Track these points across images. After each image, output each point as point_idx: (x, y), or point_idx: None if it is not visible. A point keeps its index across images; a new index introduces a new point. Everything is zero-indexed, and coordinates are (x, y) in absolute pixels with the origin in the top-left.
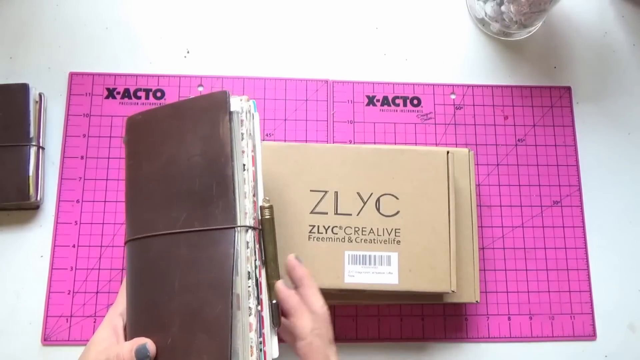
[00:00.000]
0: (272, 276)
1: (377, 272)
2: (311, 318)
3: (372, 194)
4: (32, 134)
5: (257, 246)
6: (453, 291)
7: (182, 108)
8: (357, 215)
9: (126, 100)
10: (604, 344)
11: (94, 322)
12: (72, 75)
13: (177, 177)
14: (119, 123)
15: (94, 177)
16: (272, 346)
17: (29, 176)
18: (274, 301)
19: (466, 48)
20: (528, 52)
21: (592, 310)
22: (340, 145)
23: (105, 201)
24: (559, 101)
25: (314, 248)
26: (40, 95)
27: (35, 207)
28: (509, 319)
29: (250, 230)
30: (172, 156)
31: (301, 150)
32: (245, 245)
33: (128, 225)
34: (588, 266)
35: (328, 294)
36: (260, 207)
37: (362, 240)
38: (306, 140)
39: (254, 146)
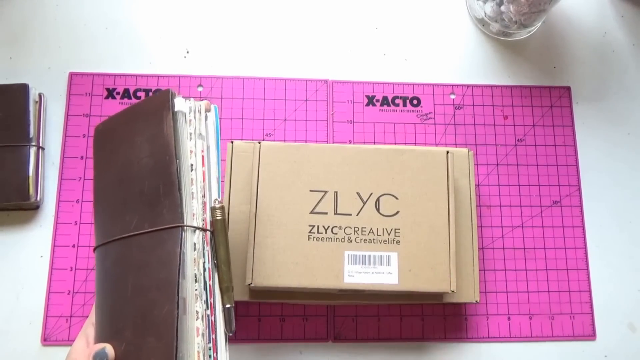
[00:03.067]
0: (224, 280)
1: (377, 272)
2: None
3: (371, 194)
4: (32, 134)
5: (208, 248)
6: (453, 291)
7: (134, 111)
8: (357, 215)
9: (126, 100)
10: (603, 344)
11: None
12: (72, 75)
13: (130, 180)
14: None
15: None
16: (224, 355)
17: (28, 176)
18: (228, 305)
19: (466, 48)
20: (528, 52)
21: (592, 310)
22: (340, 145)
23: None
24: (559, 101)
25: (314, 248)
26: (40, 95)
27: (35, 207)
28: (509, 319)
29: (198, 232)
30: (126, 160)
31: (301, 150)
32: (192, 247)
33: (95, 233)
34: (588, 266)
35: (328, 294)
36: (211, 208)
37: (362, 240)
38: (306, 140)
39: (207, 147)
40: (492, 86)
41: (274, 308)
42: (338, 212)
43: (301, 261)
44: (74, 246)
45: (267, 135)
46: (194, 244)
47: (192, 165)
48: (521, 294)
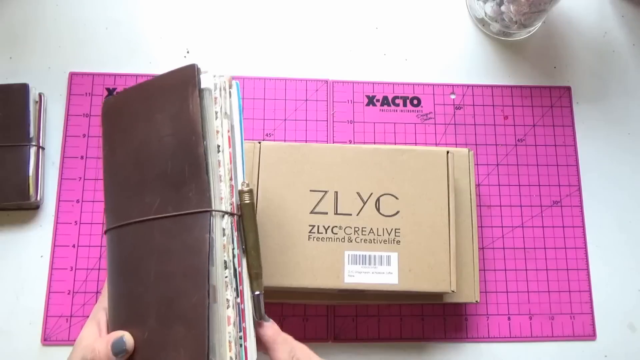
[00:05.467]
0: (254, 266)
1: (377, 272)
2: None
3: (372, 193)
4: (32, 134)
5: (236, 234)
6: (453, 291)
7: (151, 87)
8: (357, 215)
9: None
10: (603, 344)
11: None
12: (72, 75)
13: (149, 160)
14: None
15: (94, 177)
16: (253, 344)
17: (29, 176)
18: (257, 292)
19: (466, 48)
20: (528, 52)
21: (592, 310)
22: (340, 145)
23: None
24: (559, 101)
25: (314, 248)
26: (40, 95)
27: (35, 207)
28: (509, 319)
29: (227, 217)
30: (144, 138)
31: (301, 150)
32: (221, 233)
33: (106, 214)
34: (588, 266)
35: (328, 294)
36: (239, 191)
37: (362, 240)
38: (306, 140)
39: (231, 127)
40: (492, 86)
41: (274, 308)
42: (338, 212)
43: (301, 261)
44: (74, 246)
45: (267, 135)
46: (223, 229)
47: (218, 146)
48: (521, 294)
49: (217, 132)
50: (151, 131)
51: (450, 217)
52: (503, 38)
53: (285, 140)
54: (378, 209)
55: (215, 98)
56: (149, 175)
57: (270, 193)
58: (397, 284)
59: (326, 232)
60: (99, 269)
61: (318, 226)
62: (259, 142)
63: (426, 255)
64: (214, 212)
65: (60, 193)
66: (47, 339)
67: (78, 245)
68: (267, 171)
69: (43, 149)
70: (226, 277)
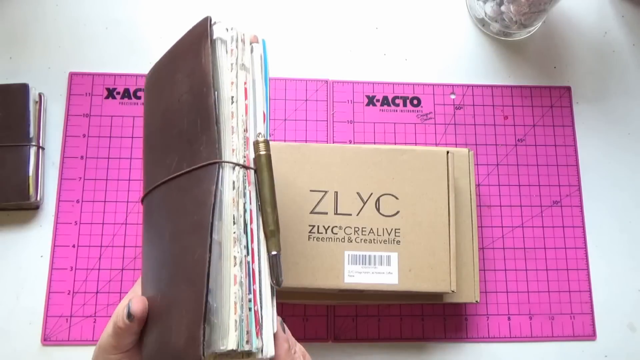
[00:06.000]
0: (269, 223)
1: (377, 272)
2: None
3: (371, 194)
4: (32, 134)
5: (250, 188)
6: (453, 291)
7: (175, 48)
8: (357, 215)
9: (126, 100)
10: (603, 344)
11: (94, 322)
12: (72, 75)
13: (171, 122)
14: (119, 123)
15: (93, 177)
16: (269, 310)
17: (28, 176)
18: (274, 252)
19: (466, 48)
20: (528, 52)
21: (592, 310)
22: (340, 145)
23: (105, 201)
24: (559, 101)
25: (314, 248)
26: (40, 95)
27: (35, 207)
28: (509, 319)
29: (238, 169)
30: (168, 102)
31: (301, 150)
32: (230, 186)
33: (143, 184)
34: (588, 266)
35: (328, 294)
36: (254, 142)
37: (362, 240)
38: (306, 140)
39: (252, 81)
40: (492, 86)
41: None
42: (338, 212)
43: (301, 261)
44: (74, 246)
45: None
46: (233, 182)
47: (232, 97)
48: (521, 294)
49: (232, 83)
50: (173, 93)
51: (450, 217)
52: (503, 38)
53: (285, 140)
54: (378, 209)
55: (232, 50)
56: (170, 137)
57: None
58: (397, 284)
59: (326, 232)
60: (99, 269)
61: (318, 226)
62: None
63: (426, 255)
64: (223, 164)
65: (60, 193)
66: (47, 339)
67: (78, 246)
68: None
69: (43, 149)
70: (234, 232)
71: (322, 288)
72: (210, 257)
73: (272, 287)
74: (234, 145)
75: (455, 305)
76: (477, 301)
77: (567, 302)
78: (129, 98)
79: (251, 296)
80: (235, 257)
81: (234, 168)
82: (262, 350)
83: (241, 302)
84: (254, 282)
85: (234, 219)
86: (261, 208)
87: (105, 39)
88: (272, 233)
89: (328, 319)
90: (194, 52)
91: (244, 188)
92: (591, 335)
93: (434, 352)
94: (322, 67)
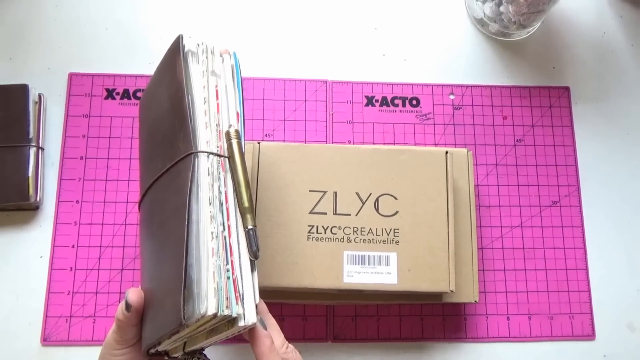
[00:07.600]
0: (243, 201)
1: (376, 272)
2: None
3: (371, 194)
4: (31, 134)
5: (224, 173)
6: (452, 291)
7: (157, 68)
8: (356, 215)
9: (125, 100)
10: (603, 344)
11: (94, 322)
12: (72, 76)
13: (156, 130)
14: (119, 124)
15: (93, 177)
16: (249, 281)
17: (28, 177)
18: (250, 227)
19: (465, 48)
20: (527, 52)
21: (591, 310)
22: (339, 146)
23: (104, 202)
24: (558, 101)
25: (313, 248)
26: (39, 95)
27: (34, 208)
28: (508, 318)
29: (212, 157)
30: (153, 114)
31: (300, 151)
32: (206, 172)
33: (139, 192)
34: (587, 266)
35: (327, 294)
36: (225, 133)
37: (361, 241)
38: (305, 141)
39: (224, 86)
40: (491, 86)
41: (274, 308)
42: (337, 212)
43: (300, 261)
44: (73, 246)
45: (266, 135)
46: (207, 168)
47: (204, 98)
48: (520, 294)
49: (204, 87)
50: (157, 105)
51: (449, 217)
52: (502, 38)
53: (284, 141)
54: (377, 209)
55: (203, 60)
56: (156, 144)
57: (269, 193)
58: (396, 284)
59: (325, 232)
60: (98, 269)
61: (317, 226)
62: (259, 143)
63: (425, 255)
64: (198, 153)
65: (60, 193)
66: (47, 339)
67: (77, 246)
68: (266, 171)
69: (43, 149)
70: (211, 212)
71: (321, 288)
72: (188, 234)
73: (251, 261)
74: (208, 138)
75: (454, 305)
76: (476, 301)
77: (566, 302)
78: (129, 99)
79: (229, 266)
80: (212, 233)
81: (208, 156)
82: (244, 317)
83: (219, 271)
84: (232, 254)
85: (209, 200)
86: (236, 190)
87: (105, 40)
88: (246, 210)
89: (327, 319)
90: (170, 66)
91: (219, 173)
92: (590, 335)
93: (433, 352)
94: (321, 67)
